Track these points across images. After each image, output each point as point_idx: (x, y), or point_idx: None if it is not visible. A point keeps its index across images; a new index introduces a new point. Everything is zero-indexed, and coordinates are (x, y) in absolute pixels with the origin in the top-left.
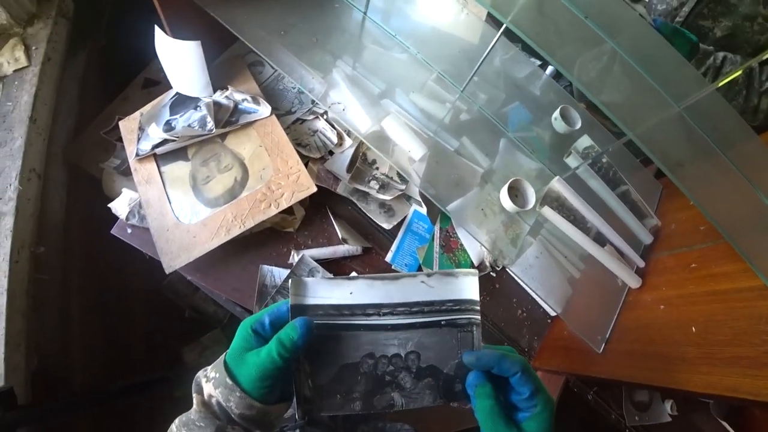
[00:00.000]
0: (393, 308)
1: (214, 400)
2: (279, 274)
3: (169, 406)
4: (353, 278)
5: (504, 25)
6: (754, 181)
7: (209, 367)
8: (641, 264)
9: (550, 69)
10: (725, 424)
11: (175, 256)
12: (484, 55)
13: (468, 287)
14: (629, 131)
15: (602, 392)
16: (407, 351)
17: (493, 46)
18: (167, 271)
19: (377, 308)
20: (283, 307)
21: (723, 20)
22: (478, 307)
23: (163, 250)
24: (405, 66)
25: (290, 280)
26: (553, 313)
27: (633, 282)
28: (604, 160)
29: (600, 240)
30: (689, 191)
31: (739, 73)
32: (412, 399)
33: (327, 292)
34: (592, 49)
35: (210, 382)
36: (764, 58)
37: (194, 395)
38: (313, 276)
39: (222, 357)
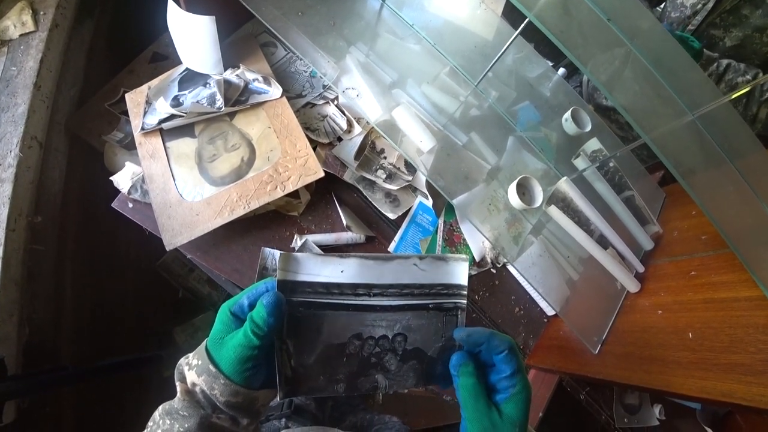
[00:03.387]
0: (384, 289)
1: (198, 389)
2: None
3: (158, 386)
4: (345, 256)
5: (526, 20)
6: (761, 194)
7: (191, 354)
8: (641, 269)
9: (561, 70)
10: (710, 431)
11: (176, 234)
12: (503, 50)
13: (458, 272)
14: (645, 135)
15: (594, 393)
16: (394, 333)
17: (512, 41)
18: (168, 248)
19: (368, 288)
20: (262, 287)
21: (734, 30)
22: (466, 292)
23: (164, 226)
24: (418, 57)
25: (280, 254)
26: (550, 313)
27: (632, 286)
28: (611, 164)
29: (602, 243)
30: (699, 198)
31: (752, 85)
32: (396, 381)
33: (317, 269)
34: (607, 51)
35: (193, 370)
36: None
37: (177, 383)
38: None
39: (203, 343)
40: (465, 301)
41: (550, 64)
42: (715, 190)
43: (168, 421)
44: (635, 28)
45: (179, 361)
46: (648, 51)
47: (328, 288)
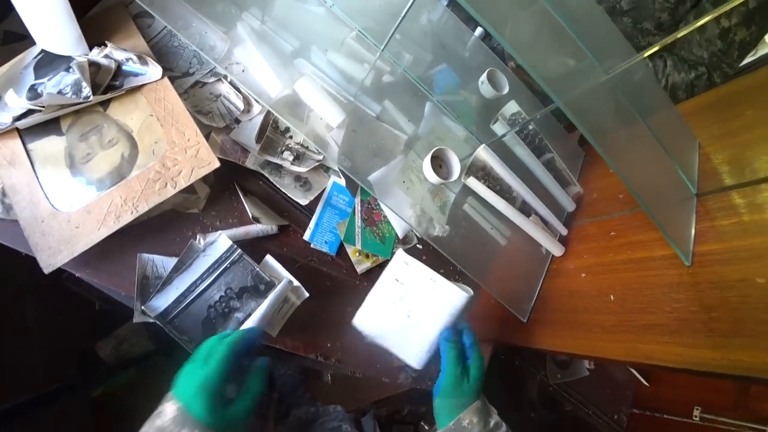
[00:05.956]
0: (202, 277)
1: None
2: (163, 262)
3: (88, 408)
4: (171, 278)
5: None
6: (672, 152)
7: (169, 424)
8: (564, 232)
9: (479, 30)
10: (634, 371)
11: (54, 252)
12: (405, 10)
13: (223, 242)
14: (557, 98)
15: (528, 356)
16: (224, 290)
17: (410, 8)
18: (46, 270)
19: (195, 283)
20: (236, 350)
21: None
22: (236, 246)
23: (38, 245)
24: (322, 21)
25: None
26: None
27: (556, 250)
28: (530, 127)
29: (525, 209)
30: (612, 160)
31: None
32: (243, 311)
33: (169, 294)
34: (526, 9)
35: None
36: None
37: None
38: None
39: (180, 413)
40: (239, 251)
41: (468, 24)
42: (628, 151)
43: None
44: None
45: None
46: (562, 8)
47: (185, 294)
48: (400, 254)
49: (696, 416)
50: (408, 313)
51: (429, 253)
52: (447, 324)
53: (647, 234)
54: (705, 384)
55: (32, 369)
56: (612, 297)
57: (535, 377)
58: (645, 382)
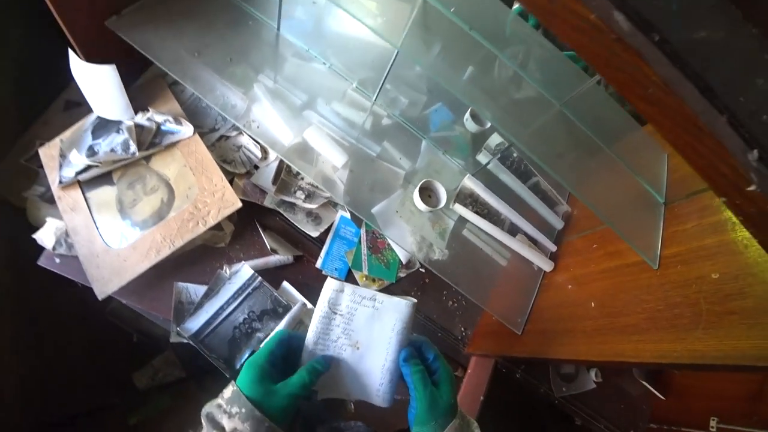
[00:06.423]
0: (228, 301)
1: None
2: (195, 290)
3: None
4: (202, 304)
5: (396, 51)
6: (636, 167)
7: (223, 402)
8: (553, 248)
9: (470, 69)
10: (647, 384)
11: (106, 282)
12: (387, 70)
13: (247, 270)
14: (514, 139)
15: (530, 370)
16: (247, 313)
17: (389, 71)
18: (100, 297)
19: (222, 307)
20: (282, 337)
21: None
22: (257, 275)
23: (94, 276)
24: (325, 76)
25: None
26: None
27: (546, 266)
28: (514, 155)
29: (513, 230)
30: (574, 187)
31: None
32: (264, 331)
33: (206, 312)
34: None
35: (235, 417)
36: None
37: (212, 431)
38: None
39: (234, 392)
40: (260, 278)
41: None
42: (593, 175)
43: None
44: (499, 34)
45: (207, 410)
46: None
47: (214, 317)
48: (330, 283)
49: (713, 427)
50: (356, 345)
51: (432, 275)
52: (400, 342)
53: (623, 243)
54: (719, 393)
55: (77, 391)
56: (593, 304)
57: (539, 390)
58: (660, 396)
